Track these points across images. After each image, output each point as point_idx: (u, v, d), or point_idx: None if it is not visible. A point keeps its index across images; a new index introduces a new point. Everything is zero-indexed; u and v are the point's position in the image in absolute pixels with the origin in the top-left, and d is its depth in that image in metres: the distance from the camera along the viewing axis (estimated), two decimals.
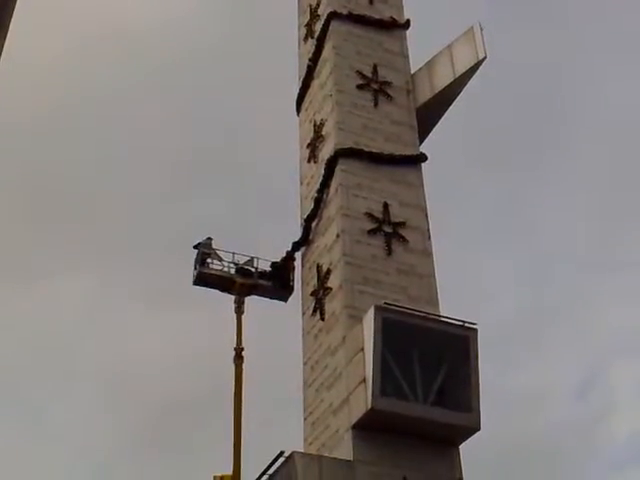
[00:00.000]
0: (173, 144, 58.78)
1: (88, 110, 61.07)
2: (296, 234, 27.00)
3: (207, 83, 59.95)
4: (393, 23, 30.02)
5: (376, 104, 27.69)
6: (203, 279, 26.68)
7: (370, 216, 24.94)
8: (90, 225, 57.48)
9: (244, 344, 25.31)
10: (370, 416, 20.88)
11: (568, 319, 58.31)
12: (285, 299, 27.09)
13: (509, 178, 62.15)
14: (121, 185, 59.01)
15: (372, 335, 21.35)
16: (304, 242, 26.65)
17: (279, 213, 48.90)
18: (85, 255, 58.37)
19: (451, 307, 23.84)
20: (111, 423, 51.38)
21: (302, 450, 22.43)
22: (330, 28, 29.19)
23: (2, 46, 12.59)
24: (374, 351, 21.16)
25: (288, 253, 26.82)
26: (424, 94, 28.55)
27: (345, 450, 21.16)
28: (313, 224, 26.40)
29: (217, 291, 26.73)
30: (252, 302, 26.52)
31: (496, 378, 43.22)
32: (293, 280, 26.80)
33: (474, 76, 28.27)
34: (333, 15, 29.31)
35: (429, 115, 28.44)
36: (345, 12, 29.49)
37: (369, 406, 20.77)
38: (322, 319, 24.16)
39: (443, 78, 28.46)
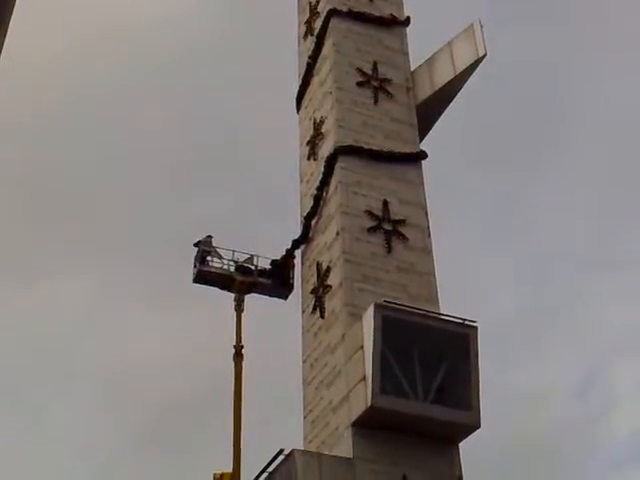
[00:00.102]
0: (173, 143, 58.89)
1: (88, 109, 61.20)
2: (296, 232, 26.99)
3: (207, 82, 60.02)
4: (393, 20, 29.97)
5: (376, 101, 27.64)
6: (203, 277, 26.68)
7: (370, 214, 24.89)
8: (90, 225, 57.54)
9: (244, 342, 25.34)
10: (370, 414, 20.86)
11: (568, 318, 58.39)
12: (285, 297, 27.08)
13: (509, 177, 62.26)
14: (121, 185, 59.10)
15: (372, 333, 21.32)
16: (304, 240, 26.60)
17: (279, 211, 48.88)
18: (85, 255, 58.48)
19: (451, 305, 23.85)
20: (111, 423, 51.49)
21: (302, 448, 22.41)
22: (330, 25, 29.14)
23: (2, 44, 12.54)
24: (374, 349, 21.13)
25: (288, 251, 26.79)
26: (424, 91, 28.51)
27: (345, 448, 21.13)
28: (313, 222, 26.36)
29: (217, 289, 26.75)
30: (252, 300, 26.57)
31: (496, 376, 43.15)
32: (293, 278, 26.78)
33: (474, 74, 28.27)
34: (333, 12, 29.26)
35: (429, 112, 28.39)
36: (345, 9, 29.45)
37: (369, 404, 20.74)
38: (322, 317, 24.12)
39: (443, 75, 28.42)
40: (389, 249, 24.38)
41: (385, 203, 25.24)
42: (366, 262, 23.98)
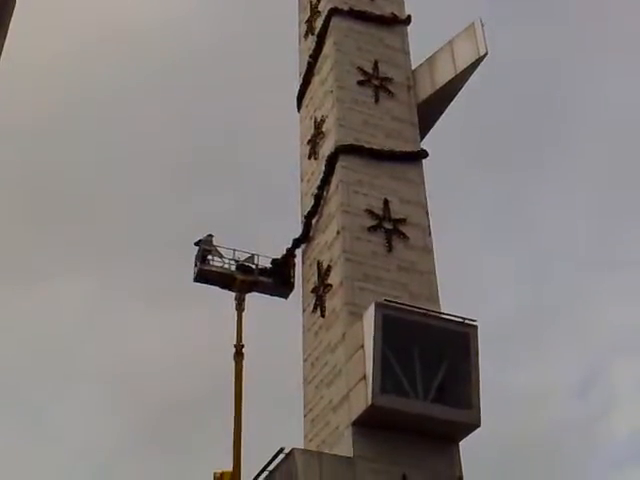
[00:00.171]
0: (173, 145, 58.84)
1: (88, 111, 61.09)
2: (296, 231, 26.97)
3: (207, 83, 59.99)
4: (394, 19, 29.95)
5: (377, 100, 27.64)
6: (204, 276, 26.70)
7: (370, 213, 24.88)
8: (90, 226, 57.50)
9: (244, 341, 25.33)
10: (370, 413, 20.85)
11: (568, 317, 58.37)
12: (285, 296, 27.08)
13: (509, 176, 62.28)
14: (121, 186, 59.08)
15: (372, 332, 21.31)
16: (304, 239, 26.59)
17: (279, 210, 48.87)
18: (85, 257, 58.44)
19: (451, 304, 23.85)
20: (111, 423, 51.47)
21: (302, 447, 22.40)
22: (331, 24, 29.13)
23: (2, 46, 12.54)
24: (374, 348, 21.13)
25: (288, 250, 26.78)
26: (425, 90, 28.49)
27: (345, 447, 21.13)
28: (313, 221, 26.35)
29: (217, 288, 26.75)
30: (252, 299, 26.57)
31: (496, 376, 43.13)
32: (293, 277, 26.79)
33: (475, 73, 28.25)
34: (334, 11, 29.25)
35: (430, 111, 28.37)
36: (346, 8, 29.43)
37: (369, 403, 20.73)
38: (322, 316, 24.11)
39: (444, 74, 28.39)
40: (390, 248, 24.37)
41: (386, 202, 25.23)
42: (367, 261, 23.97)
